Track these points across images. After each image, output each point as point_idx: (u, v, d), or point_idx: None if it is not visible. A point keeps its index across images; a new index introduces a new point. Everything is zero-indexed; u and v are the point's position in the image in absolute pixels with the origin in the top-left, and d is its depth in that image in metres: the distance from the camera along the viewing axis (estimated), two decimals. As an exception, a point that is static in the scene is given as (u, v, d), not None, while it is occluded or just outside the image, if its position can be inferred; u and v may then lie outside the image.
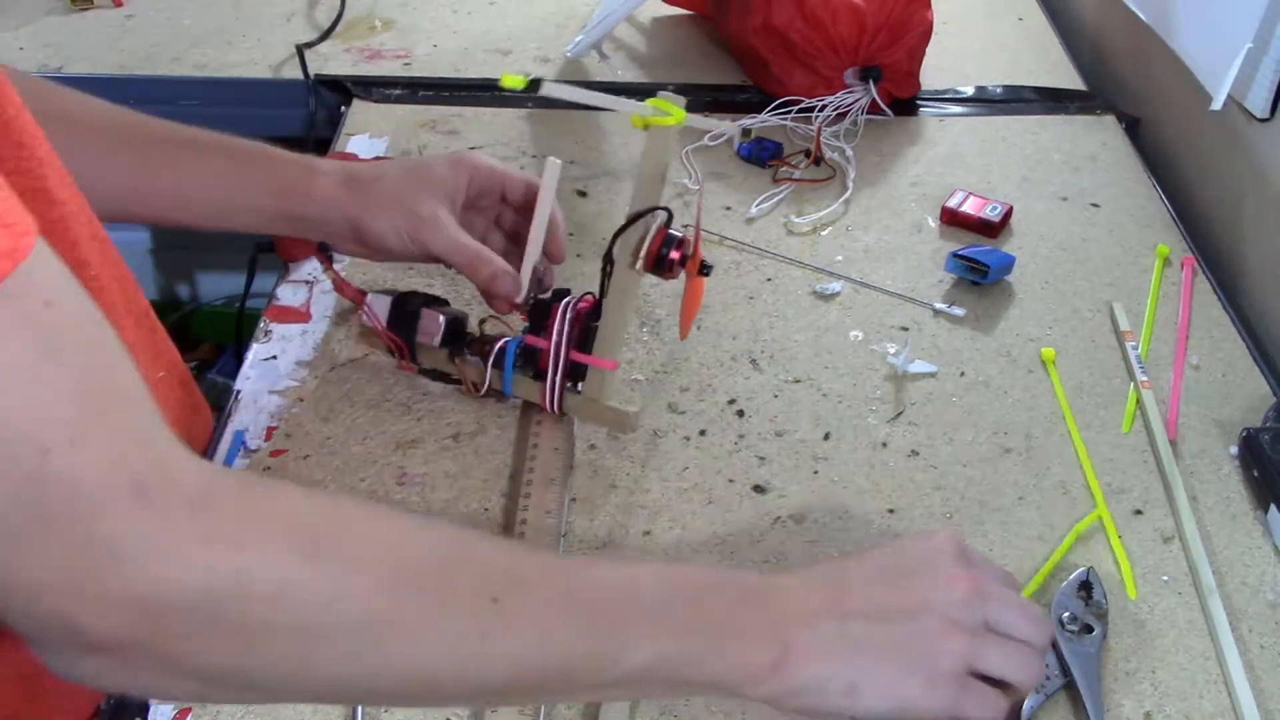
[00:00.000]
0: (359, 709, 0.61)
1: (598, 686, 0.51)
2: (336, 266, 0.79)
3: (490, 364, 0.76)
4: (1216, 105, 0.95)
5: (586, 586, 0.50)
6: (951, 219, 0.99)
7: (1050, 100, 1.18)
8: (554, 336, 0.74)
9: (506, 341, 0.76)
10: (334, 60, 1.22)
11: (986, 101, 1.18)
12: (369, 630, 0.45)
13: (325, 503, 0.48)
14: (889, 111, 1.12)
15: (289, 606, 0.43)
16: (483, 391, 0.77)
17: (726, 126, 1.01)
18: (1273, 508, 0.72)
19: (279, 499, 0.46)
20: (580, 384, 0.76)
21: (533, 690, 0.51)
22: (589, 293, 0.76)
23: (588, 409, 0.76)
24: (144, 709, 0.61)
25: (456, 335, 0.78)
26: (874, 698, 0.50)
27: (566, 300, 0.75)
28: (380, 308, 0.77)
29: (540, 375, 0.75)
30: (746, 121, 1.10)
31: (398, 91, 1.16)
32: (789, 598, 0.52)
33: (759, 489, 0.75)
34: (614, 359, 0.75)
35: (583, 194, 1.02)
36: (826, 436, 0.79)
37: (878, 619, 0.51)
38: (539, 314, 0.75)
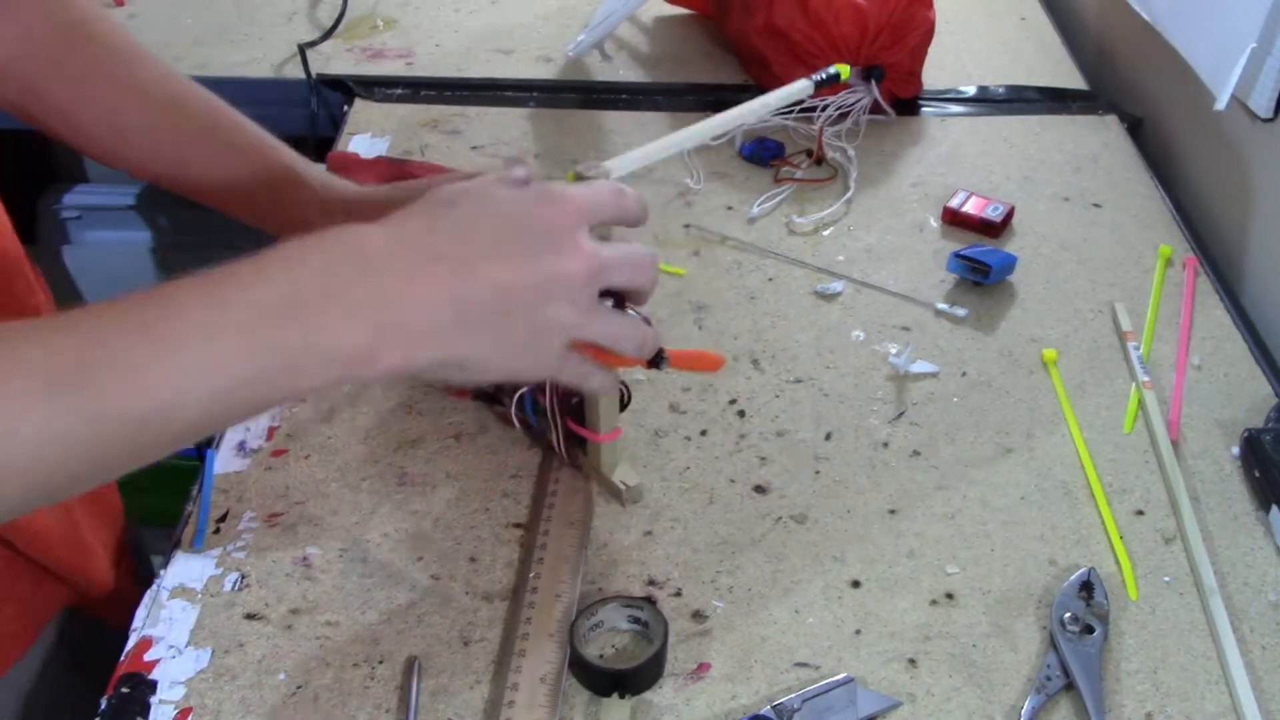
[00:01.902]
0: (414, 693, 0.62)
1: (177, 438, 0.47)
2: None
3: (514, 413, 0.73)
4: (1220, 105, 0.95)
5: (98, 344, 0.45)
6: (953, 219, 0.99)
7: (1052, 100, 1.18)
8: (547, 403, 0.71)
9: (523, 394, 0.73)
10: (336, 59, 1.22)
11: (988, 101, 1.18)
12: None
13: None
14: (891, 111, 1.12)
15: None
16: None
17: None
18: (1274, 508, 0.72)
19: None
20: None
21: (113, 460, 0.46)
22: None
23: (594, 474, 0.74)
24: (145, 708, 0.62)
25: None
26: (484, 371, 0.53)
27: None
28: None
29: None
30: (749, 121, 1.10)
31: (400, 91, 1.17)
32: (382, 272, 0.50)
33: (760, 489, 0.75)
34: (610, 431, 0.70)
35: (584, 194, 1.02)
36: (828, 437, 0.79)
37: (493, 303, 0.52)
38: None
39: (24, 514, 0.47)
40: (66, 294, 1.38)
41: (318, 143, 1.15)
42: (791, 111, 1.10)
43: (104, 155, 0.73)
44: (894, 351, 0.86)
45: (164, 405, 0.45)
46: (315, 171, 0.76)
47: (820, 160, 1.06)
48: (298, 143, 0.81)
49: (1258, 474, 0.75)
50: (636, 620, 0.66)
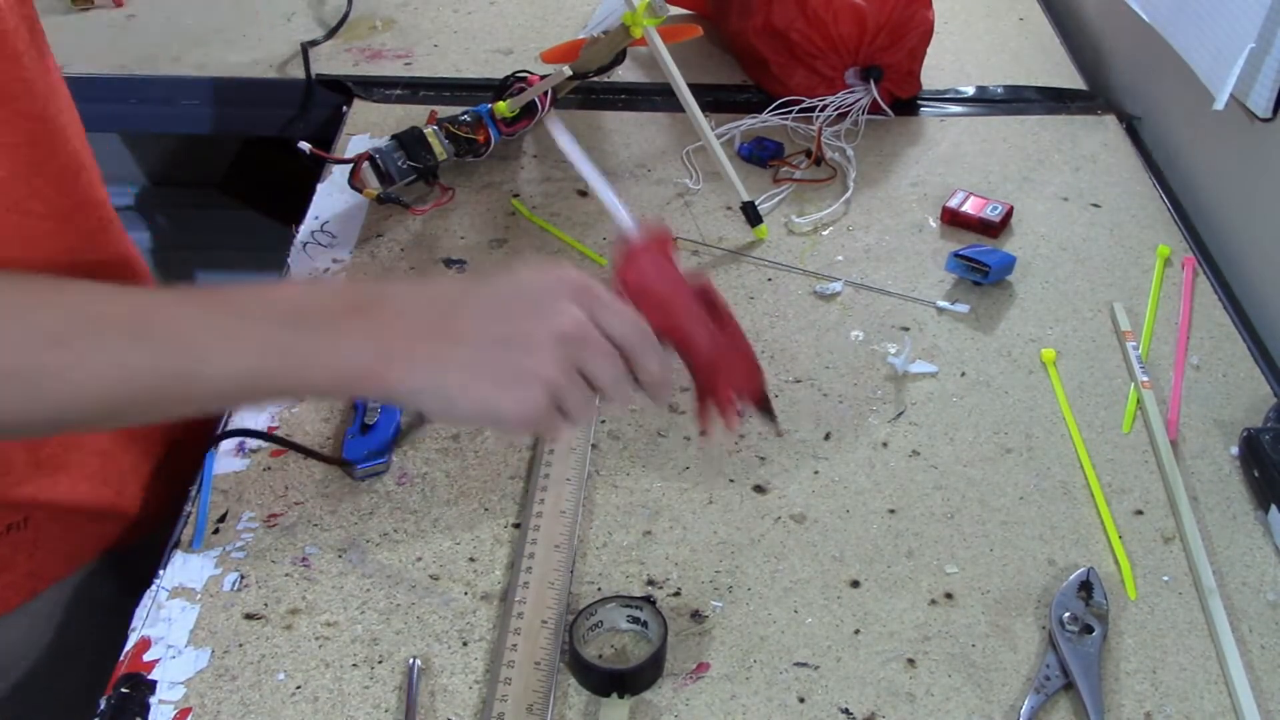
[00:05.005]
0: (414, 693, 0.62)
1: (194, 400, 0.57)
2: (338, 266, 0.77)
3: None
4: (1219, 105, 0.95)
5: (166, 314, 0.56)
6: (952, 219, 0.99)
7: (1051, 100, 1.18)
8: None
9: None
10: (334, 60, 1.22)
11: (987, 101, 1.18)
12: None
13: None
14: (890, 111, 1.12)
15: None
16: None
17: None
18: (1273, 508, 0.72)
19: None
20: None
21: (126, 408, 0.57)
22: None
23: None
24: (144, 708, 0.62)
25: None
26: (469, 408, 0.58)
27: None
28: None
29: None
30: (749, 121, 1.10)
31: (399, 91, 1.17)
32: (395, 316, 0.58)
33: (759, 489, 0.75)
34: None
35: (583, 194, 1.02)
36: (827, 436, 0.79)
37: (480, 346, 0.57)
38: None
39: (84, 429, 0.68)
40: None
41: (316, 142, 1.15)
42: (791, 111, 1.11)
43: None
44: (893, 351, 0.86)
45: (194, 368, 0.55)
46: None
47: (819, 160, 1.06)
48: (295, 144, 0.80)
49: (1257, 474, 0.75)
50: (636, 620, 0.66)
